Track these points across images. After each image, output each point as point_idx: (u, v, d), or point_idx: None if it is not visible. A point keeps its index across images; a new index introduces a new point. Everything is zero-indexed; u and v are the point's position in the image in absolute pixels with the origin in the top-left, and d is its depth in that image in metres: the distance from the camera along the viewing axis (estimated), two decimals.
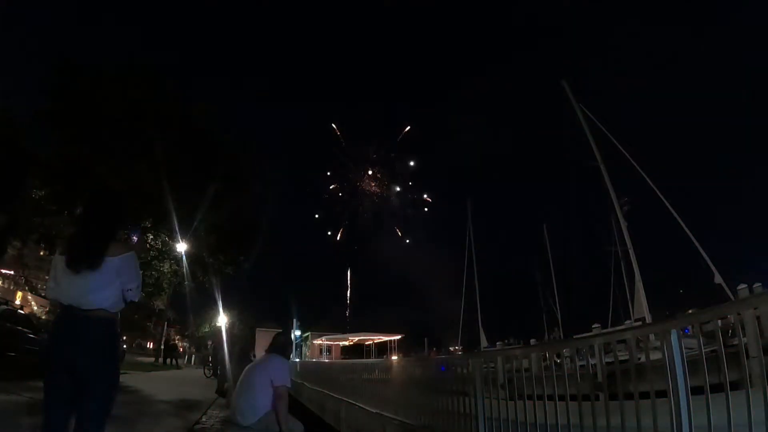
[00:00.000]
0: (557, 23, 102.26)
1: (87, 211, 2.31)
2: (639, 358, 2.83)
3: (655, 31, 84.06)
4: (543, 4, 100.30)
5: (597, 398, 2.69)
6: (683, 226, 17.85)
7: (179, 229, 14.57)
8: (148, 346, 45.38)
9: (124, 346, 20.18)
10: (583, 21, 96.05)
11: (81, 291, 2.05)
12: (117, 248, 2.16)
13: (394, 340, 34.01)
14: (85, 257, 2.08)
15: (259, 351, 7.38)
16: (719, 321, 2.20)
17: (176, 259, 17.07)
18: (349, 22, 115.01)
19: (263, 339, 23.79)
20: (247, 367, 4.37)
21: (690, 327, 2.52)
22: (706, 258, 17.03)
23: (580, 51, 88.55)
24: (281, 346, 4.33)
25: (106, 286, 2.09)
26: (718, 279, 16.58)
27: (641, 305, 17.96)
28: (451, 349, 34.59)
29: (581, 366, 3.01)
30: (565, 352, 3.33)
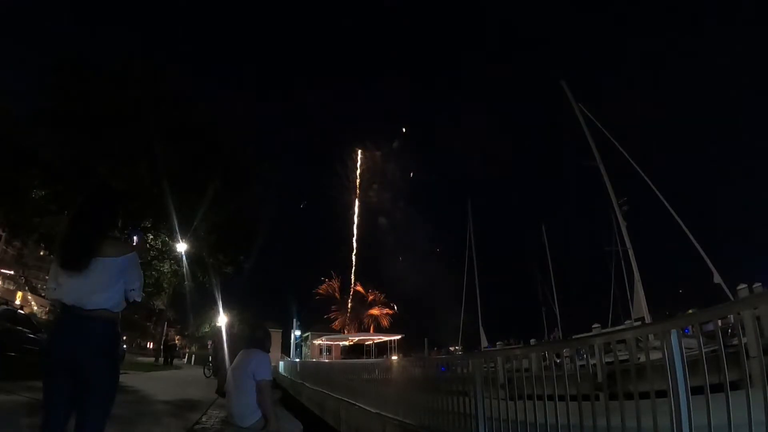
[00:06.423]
0: (557, 24, 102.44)
1: (79, 210, 2.25)
2: (639, 358, 2.83)
3: (655, 31, 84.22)
4: (543, 5, 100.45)
5: (597, 398, 2.69)
6: (683, 226, 17.88)
7: (179, 229, 14.55)
8: (148, 346, 45.39)
9: (124, 346, 20.16)
10: (583, 21, 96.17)
11: (84, 291, 2.04)
12: (120, 248, 2.15)
13: (394, 340, 34.03)
14: (74, 258, 2.05)
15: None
16: (719, 321, 2.20)
17: (176, 259, 17.07)
18: (349, 20, 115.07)
19: None
20: (230, 369, 4.26)
21: (690, 327, 2.52)
22: (706, 258, 17.05)
23: (579, 51, 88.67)
24: (260, 341, 4.25)
25: (110, 287, 2.08)
26: (717, 279, 16.60)
27: (641, 305, 17.97)
28: (451, 349, 34.59)
29: (581, 366, 3.01)
30: (565, 352, 3.33)
